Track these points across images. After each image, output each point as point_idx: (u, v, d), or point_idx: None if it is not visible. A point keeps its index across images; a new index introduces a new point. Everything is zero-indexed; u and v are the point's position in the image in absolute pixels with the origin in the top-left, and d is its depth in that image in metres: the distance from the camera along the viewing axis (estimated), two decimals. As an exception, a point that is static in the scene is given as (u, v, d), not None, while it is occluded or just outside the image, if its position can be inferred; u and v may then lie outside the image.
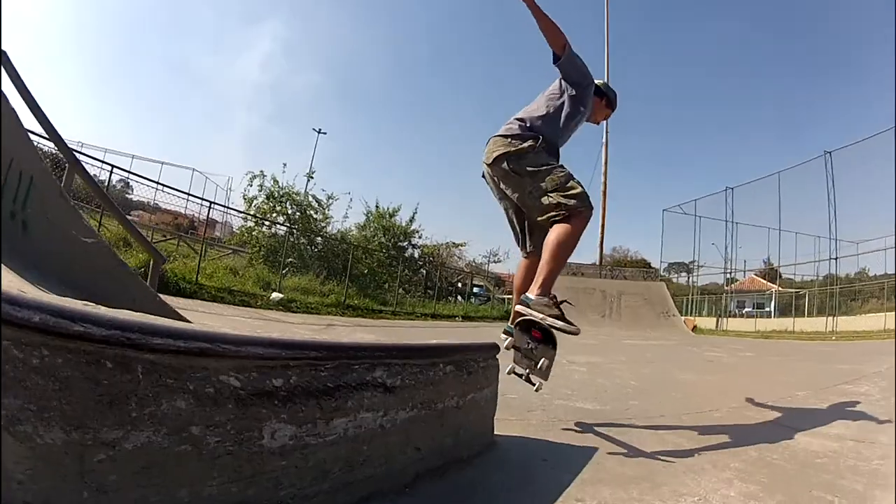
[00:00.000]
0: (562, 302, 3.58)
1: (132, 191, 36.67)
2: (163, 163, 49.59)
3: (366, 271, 22.88)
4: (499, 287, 41.52)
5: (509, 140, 3.63)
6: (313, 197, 23.96)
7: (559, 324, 3.43)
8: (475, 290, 40.38)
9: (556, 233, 3.53)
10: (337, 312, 14.99)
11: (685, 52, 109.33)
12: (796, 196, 35.94)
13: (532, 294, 3.53)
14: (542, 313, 3.48)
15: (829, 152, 31.95)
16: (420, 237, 29.35)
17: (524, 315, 3.54)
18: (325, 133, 46.38)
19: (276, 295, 13.43)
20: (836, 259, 32.09)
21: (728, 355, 12.13)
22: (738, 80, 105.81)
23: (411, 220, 28.40)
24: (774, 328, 30.85)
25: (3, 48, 3.67)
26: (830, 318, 28.84)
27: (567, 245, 3.53)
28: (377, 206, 27.97)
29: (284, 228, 22.70)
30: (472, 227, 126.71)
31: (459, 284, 33.33)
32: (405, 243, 28.43)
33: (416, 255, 29.32)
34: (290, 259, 20.44)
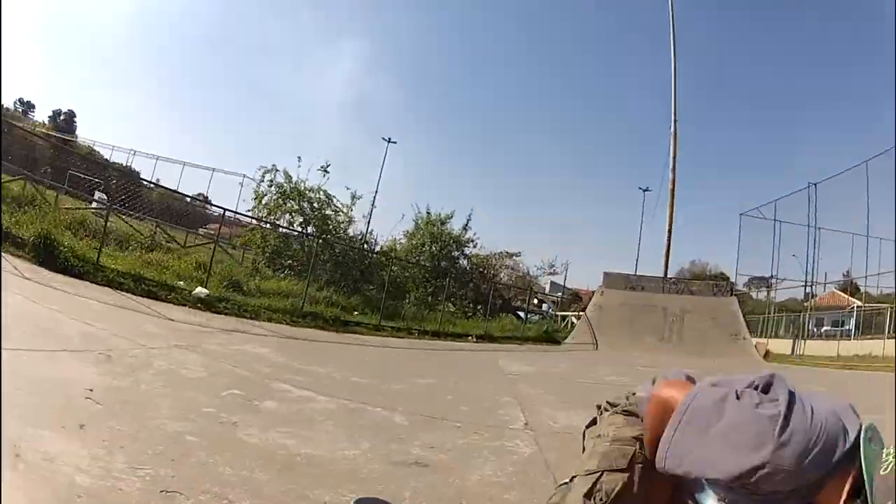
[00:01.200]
0: None
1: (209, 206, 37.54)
2: (184, 163, 49.57)
3: (386, 282, 21.06)
4: (575, 303, 39.90)
5: None
6: (324, 192, 23.23)
7: None
8: (544, 307, 39.45)
9: None
10: (286, 321, 13.68)
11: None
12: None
13: None
14: None
15: None
16: (475, 246, 28.76)
17: None
18: (394, 143, 45.39)
19: (199, 290, 12.45)
20: None
21: None
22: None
23: (465, 226, 27.84)
24: (856, 352, 29.08)
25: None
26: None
27: None
28: (428, 212, 27.45)
29: (296, 228, 22.56)
30: (528, 236, 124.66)
31: (520, 301, 32.06)
32: (457, 253, 27.90)
33: (467, 266, 28.68)
34: (289, 261, 20.35)
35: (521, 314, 29.51)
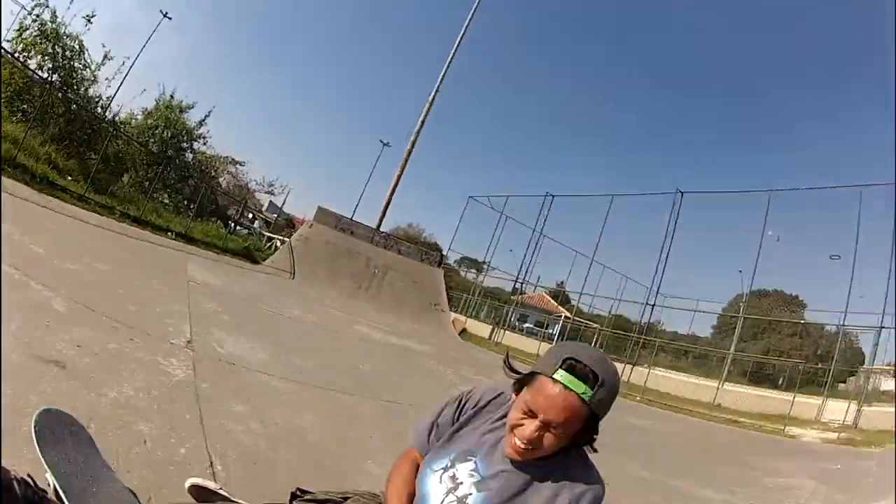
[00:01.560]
0: None
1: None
2: None
3: (110, 153, 20.55)
4: (289, 228, 39.15)
5: None
6: (80, 43, 21.31)
7: None
8: (256, 224, 39.03)
9: None
10: None
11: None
12: (623, 226, 37.34)
13: None
14: None
15: (682, 192, 33.03)
16: (205, 143, 27.69)
17: None
18: (169, 18, 41.07)
19: None
20: (651, 305, 33.45)
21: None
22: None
23: (202, 122, 26.60)
24: None
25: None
26: (623, 366, 29.85)
27: None
28: (172, 96, 25.82)
29: (43, 74, 20.08)
30: (262, 147, 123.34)
31: (233, 211, 31.57)
32: (186, 145, 26.61)
33: (190, 161, 27.40)
34: (25, 106, 18.40)
35: (231, 223, 29.14)
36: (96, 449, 2.53)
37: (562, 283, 49.77)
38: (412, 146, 37.00)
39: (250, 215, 39.13)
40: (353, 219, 30.59)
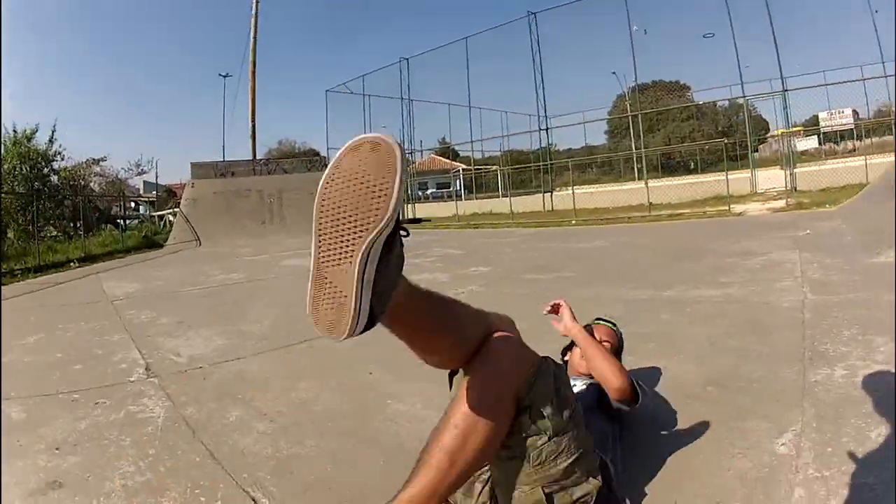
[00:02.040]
0: None
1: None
2: None
3: None
4: (171, 199, 38.36)
5: None
6: None
7: None
8: (141, 209, 38.24)
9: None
10: None
11: None
12: (488, 65, 37.12)
13: None
14: None
15: (534, 13, 33.38)
16: (62, 158, 26.93)
17: None
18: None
19: None
20: (539, 130, 33.67)
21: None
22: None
23: (51, 139, 25.84)
24: (475, 210, 31.59)
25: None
26: (542, 196, 30.11)
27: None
28: (14, 130, 24.97)
29: None
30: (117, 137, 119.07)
31: (116, 209, 30.91)
32: (47, 170, 25.99)
33: (58, 182, 26.64)
34: None
35: (120, 222, 28.64)
36: None
37: (443, 138, 49.69)
38: (254, 66, 36.48)
39: (132, 204, 38.22)
40: (228, 160, 30.25)
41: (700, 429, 3.41)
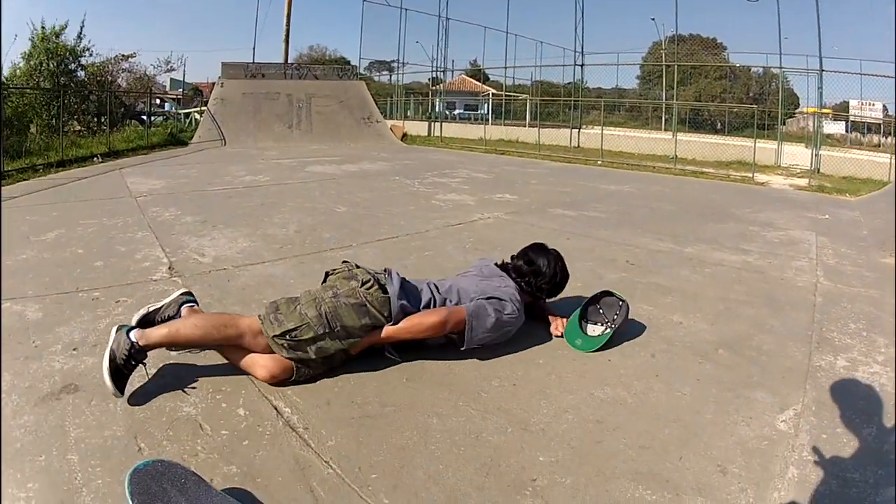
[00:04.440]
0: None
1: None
2: None
3: (9, 114, 18.85)
4: (198, 98, 37.96)
5: None
6: None
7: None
8: (166, 106, 37.92)
9: None
10: None
11: None
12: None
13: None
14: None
15: None
16: (91, 55, 25.82)
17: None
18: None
19: None
20: (574, 65, 33.15)
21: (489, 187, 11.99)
22: None
23: (79, 35, 24.81)
24: (502, 137, 30.80)
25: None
26: (569, 132, 29.68)
27: None
28: (42, 27, 23.96)
29: None
30: (146, 34, 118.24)
31: (142, 105, 30.28)
32: (75, 66, 25.06)
33: (85, 78, 25.80)
34: None
35: (145, 118, 27.98)
36: (202, 481, 2.42)
37: (475, 60, 49.20)
38: None
39: (158, 101, 37.81)
40: (258, 62, 29.64)
41: (710, 390, 3.61)
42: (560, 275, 4.52)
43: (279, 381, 3.48)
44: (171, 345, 3.47)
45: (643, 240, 7.84)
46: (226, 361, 3.65)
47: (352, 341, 3.62)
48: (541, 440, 3.00)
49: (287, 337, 3.44)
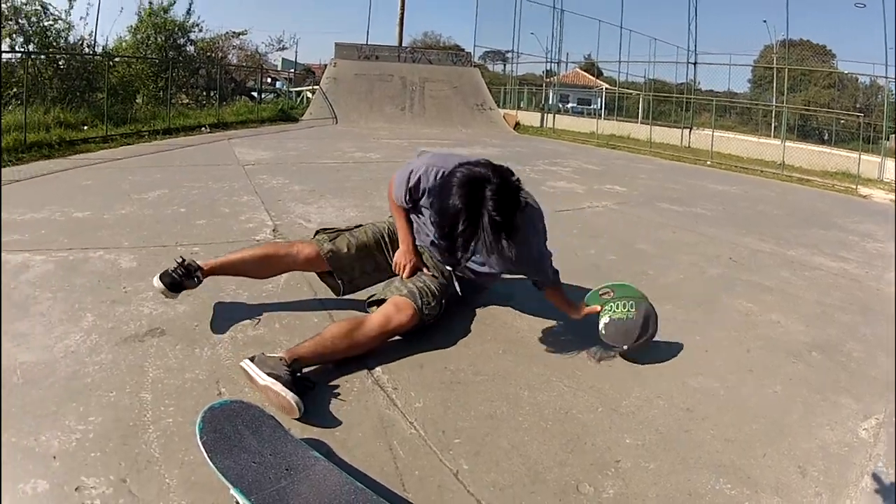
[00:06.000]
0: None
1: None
2: None
3: (114, 82, 19.09)
4: (309, 78, 38.44)
5: None
6: (40, 3, 19.17)
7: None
8: (277, 84, 38.56)
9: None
10: (12, 160, 10.69)
11: None
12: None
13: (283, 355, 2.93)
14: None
15: None
16: (200, 30, 26.12)
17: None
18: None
19: None
20: (687, 63, 32.61)
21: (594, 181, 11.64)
22: None
23: (188, 11, 25.08)
24: (613, 132, 30.35)
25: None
26: (681, 131, 29.18)
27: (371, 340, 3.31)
28: (150, 2, 24.26)
29: (18, 50, 18.60)
30: (257, 13, 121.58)
31: (252, 82, 30.63)
32: (183, 40, 25.40)
33: (194, 53, 26.27)
34: (14, 90, 17.26)
35: (255, 95, 28.40)
36: (279, 427, 2.40)
37: (588, 55, 48.79)
38: None
39: (269, 79, 38.43)
40: (372, 43, 29.76)
41: (800, 390, 3.52)
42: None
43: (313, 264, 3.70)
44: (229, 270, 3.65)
45: (747, 239, 7.61)
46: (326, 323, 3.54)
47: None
48: (629, 423, 2.97)
49: (326, 232, 3.83)
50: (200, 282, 3.47)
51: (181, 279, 3.37)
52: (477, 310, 4.12)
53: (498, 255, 3.04)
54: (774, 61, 34.24)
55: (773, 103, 31.85)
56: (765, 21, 34.19)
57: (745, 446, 2.82)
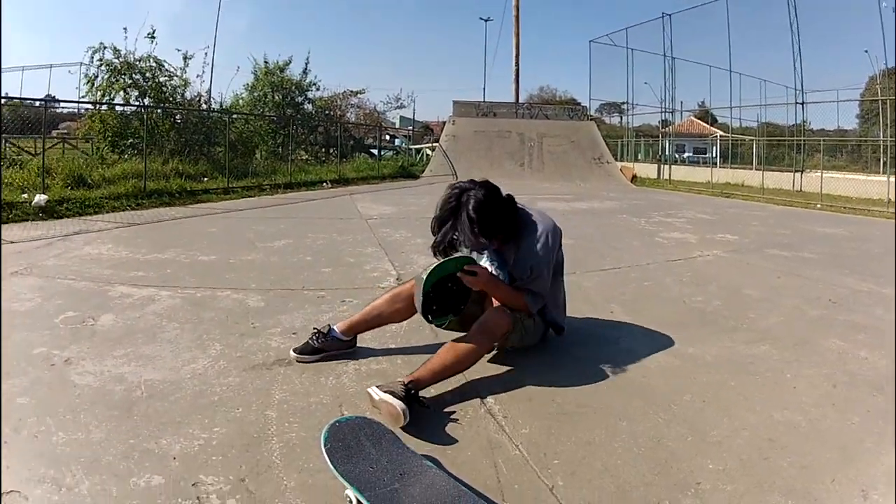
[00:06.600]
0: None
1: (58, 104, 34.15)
2: (23, 67, 44.34)
3: (233, 138, 20.00)
4: (427, 135, 39.18)
5: None
6: (154, 59, 20.34)
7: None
8: (396, 141, 39.32)
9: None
10: (131, 205, 11.82)
11: None
12: (745, 27, 35.34)
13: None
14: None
15: None
16: (318, 89, 27.40)
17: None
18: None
19: (39, 198, 10.83)
20: (796, 104, 31.88)
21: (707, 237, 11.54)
22: None
23: (304, 70, 26.50)
24: (728, 180, 29.91)
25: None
26: (792, 175, 28.55)
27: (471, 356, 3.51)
28: (265, 62, 25.89)
29: (132, 105, 19.60)
30: (373, 72, 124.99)
31: (371, 140, 31.40)
32: (301, 98, 26.66)
33: (312, 111, 27.41)
34: (130, 140, 18.20)
35: (375, 152, 29.00)
36: (398, 440, 2.62)
37: (702, 102, 48.22)
38: (517, 9, 34.79)
39: (388, 137, 39.21)
40: (488, 100, 30.20)
41: (877, 422, 3.50)
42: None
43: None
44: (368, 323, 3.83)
45: (848, 280, 7.43)
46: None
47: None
48: (714, 450, 3.06)
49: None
50: (352, 344, 3.80)
51: (321, 345, 3.68)
52: (584, 350, 4.24)
53: (475, 248, 3.69)
54: (879, 93, 33.11)
55: (881, 137, 30.79)
56: (866, 51, 33.16)
57: (817, 472, 2.89)
